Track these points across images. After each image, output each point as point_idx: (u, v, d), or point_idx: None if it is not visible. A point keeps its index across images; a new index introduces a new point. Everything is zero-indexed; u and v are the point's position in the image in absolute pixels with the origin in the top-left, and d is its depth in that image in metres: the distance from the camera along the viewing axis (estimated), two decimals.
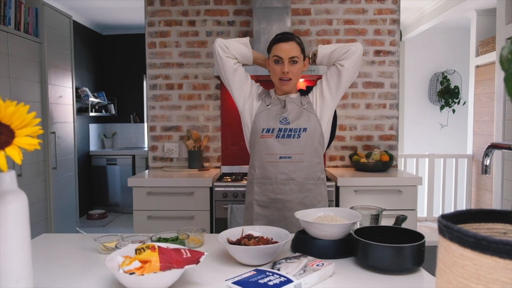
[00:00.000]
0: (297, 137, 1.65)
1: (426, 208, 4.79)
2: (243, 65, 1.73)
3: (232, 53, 1.66)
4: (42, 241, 1.41)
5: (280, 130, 1.66)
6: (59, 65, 3.52)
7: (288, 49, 1.62)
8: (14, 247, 0.82)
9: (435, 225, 4.63)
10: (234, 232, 1.24)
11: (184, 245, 1.20)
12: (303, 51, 1.68)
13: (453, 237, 0.50)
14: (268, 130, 1.67)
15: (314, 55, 1.72)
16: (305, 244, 1.22)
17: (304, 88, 1.77)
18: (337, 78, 1.66)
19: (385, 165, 2.86)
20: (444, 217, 0.56)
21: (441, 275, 0.54)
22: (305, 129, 1.65)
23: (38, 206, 3.16)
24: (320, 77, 1.83)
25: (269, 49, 1.71)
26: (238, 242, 1.17)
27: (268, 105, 1.70)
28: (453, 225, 0.51)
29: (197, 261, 0.96)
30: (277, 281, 0.94)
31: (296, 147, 1.65)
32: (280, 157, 1.66)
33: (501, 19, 2.99)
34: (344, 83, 1.67)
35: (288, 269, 1.01)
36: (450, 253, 0.51)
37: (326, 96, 1.69)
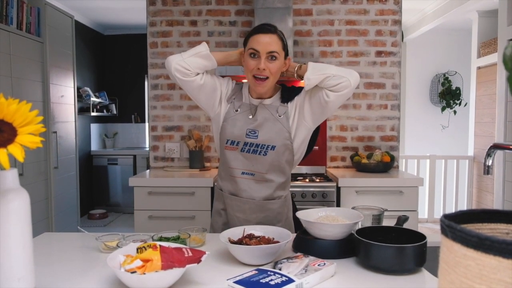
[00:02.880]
0: (263, 154, 1.46)
1: (427, 210, 4.79)
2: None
3: (194, 71, 1.43)
4: (44, 240, 1.41)
5: (245, 144, 1.47)
6: (60, 65, 3.52)
7: (266, 42, 1.39)
8: (16, 245, 0.82)
9: (436, 227, 4.62)
10: (235, 232, 1.24)
11: (185, 244, 1.20)
12: (284, 47, 1.45)
13: (456, 236, 0.50)
14: (232, 142, 1.49)
15: (300, 68, 1.47)
16: (307, 244, 1.22)
17: (289, 86, 1.55)
18: (321, 106, 1.44)
19: (386, 166, 2.86)
20: (447, 216, 0.56)
21: (443, 275, 0.53)
22: (273, 147, 1.46)
23: (39, 205, 3.17)
24: None
25: (245, 42, 1.47)
26: (239, 242, 1.17)
27: (237, 110, 1.50)
28: (456, 224, 0.50)
29: (198, 260, 0.96)
30: (278, 280, 0.94)
31: (260, 165, 1.48)
32: (243, 173, 1.50)
33: (502, 21, 2.99)
34: (328, 113, 1.49)
35: (290, 269, 1.01)
36: (453, 253, 0.51)
37: (306, 117, 1.48)
